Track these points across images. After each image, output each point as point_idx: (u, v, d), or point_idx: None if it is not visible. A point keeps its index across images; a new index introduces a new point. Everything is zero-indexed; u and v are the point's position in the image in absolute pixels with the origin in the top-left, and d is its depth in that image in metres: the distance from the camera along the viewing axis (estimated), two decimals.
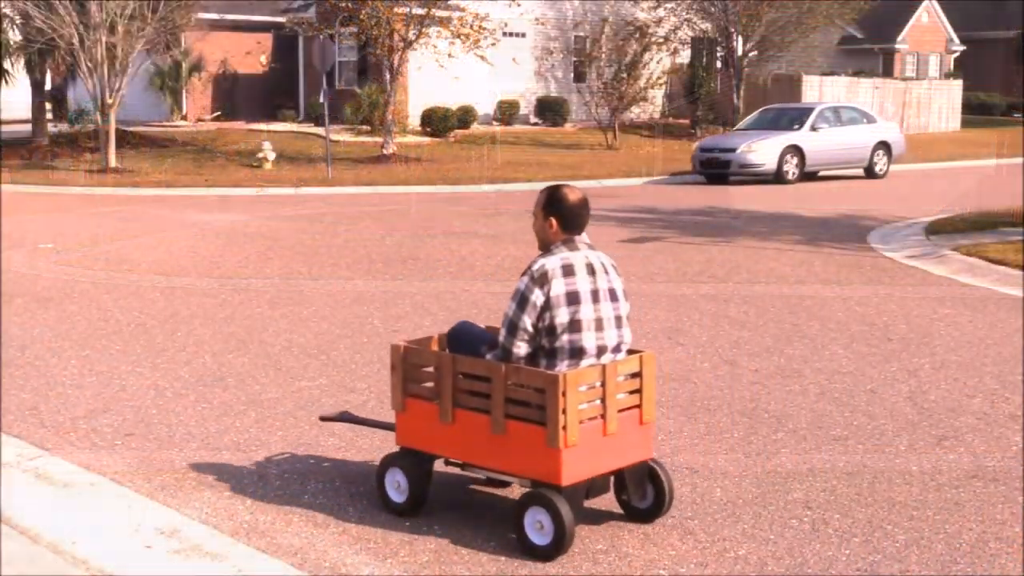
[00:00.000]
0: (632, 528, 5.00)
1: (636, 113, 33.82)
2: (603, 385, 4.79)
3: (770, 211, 18.22)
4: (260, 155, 25.66)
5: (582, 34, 36.64)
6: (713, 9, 33.94)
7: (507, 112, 34.82)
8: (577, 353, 4.79)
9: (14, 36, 27.91)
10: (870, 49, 49.51)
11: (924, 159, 30.44)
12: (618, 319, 4.91)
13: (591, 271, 4.85)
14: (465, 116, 32.96)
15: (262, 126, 33.43)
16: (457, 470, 5.21)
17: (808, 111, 25.82)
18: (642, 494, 5.04)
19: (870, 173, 25.78)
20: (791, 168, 24.19)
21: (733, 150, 24.17)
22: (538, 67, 36.26)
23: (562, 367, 4.76)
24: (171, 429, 6.46)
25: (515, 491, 5.25)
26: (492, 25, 27.38)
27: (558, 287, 4.75)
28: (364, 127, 31.68)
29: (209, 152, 28.47)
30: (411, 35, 26.36)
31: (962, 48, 51.28)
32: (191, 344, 8.60)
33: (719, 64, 37.22)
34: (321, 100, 25.80)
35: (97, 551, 4.68)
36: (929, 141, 36.63)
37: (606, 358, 4.86)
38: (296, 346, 8.53)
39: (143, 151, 28.61)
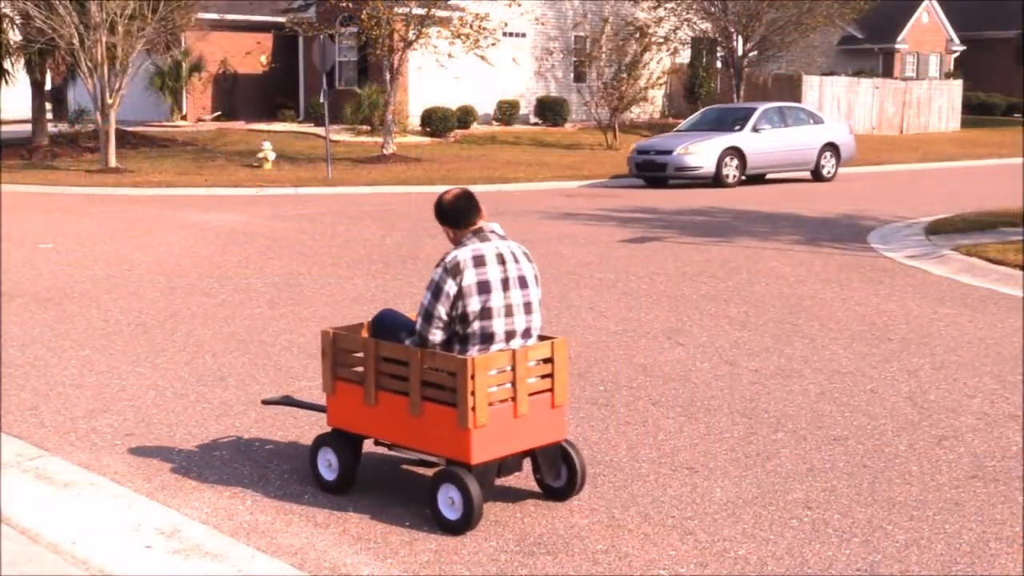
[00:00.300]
0: (632, 528, 5.00)
1: (636, 113, 33.82)
2: (513, 369, 5.05)
3: (770, 211, 18.23)
4: (260, 155, 25.66)
5: (582, 34, 36.64)
6: (713, 9, 33.94)
7: (507, 112, 34.83)
8: (487, 339, 5.06)
9: (14, 36, 27.90)
10: (870, 49, 49.53)
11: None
12: (527, 305, 5.18)
13: (501, 260, 5.12)
14: (465, 116, 32.96)
15: (262, 126, 33.44)
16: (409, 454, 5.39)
17: (751, 111, 24.68)
18: (556, 474, 5.31)
19: (817, 176, 24.79)
20: (731, 171, 23.15)
21: (669, 152, 23.19)
22: (538, 67, 36.27)
23: (473, 352, 5.04)
24: (171, 429, 6.47)
25: None
26: (492, 25, 27.38)
27: (469, 277, 5.03)
28: (364, 127, 31.69)
29: (209, 152, 28.47)
30: (411, 35, 26.37)
31: (962, 48, 51.29)
32: (191, 344, 8.60)
33: (719, 64, 37.22)
34: (321, 100, 25.80)
35: (97, 551, 4.68)
36: (929, 141, 36.65)
37: (516, 343, 5.14)
38: (296, 346, 8.53)
39: (143, 151, 28.62)
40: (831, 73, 40.22)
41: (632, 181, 24.11)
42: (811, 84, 37.48)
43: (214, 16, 34.43)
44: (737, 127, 24.02)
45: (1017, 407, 6.90)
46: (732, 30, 34.14)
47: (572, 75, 37.29)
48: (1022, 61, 48.88)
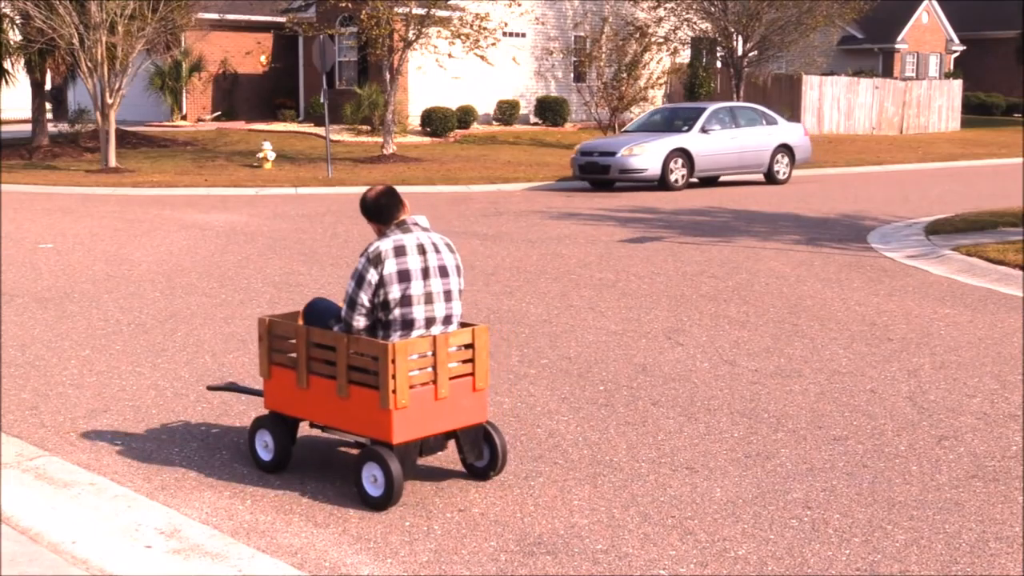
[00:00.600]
0: (632, 528, 5.00)
1: (636, 113, 33.82)
2: (434, 354, 5.34)
3: (770, 211, 18.23)
4: (260, 155, 25.66)
5: (582, 34, 36.64)
6: (713, 9, 33.94)
7: (507, 112, 34.83)
8: (408, 325, 5.35)
9: (14, 36, 27.89)
10: (870, 49, 49.54)
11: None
12: (447, 293, 5.50)
13: (422, 251, 5.43)
14: (465, 116, 32.96)
15: (262, 126, 33.44)
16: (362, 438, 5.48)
17: (700, 111, 23.53)
18: (478, 454, 5.59)
19: (770, 178, 23.74)
20: (678, 174, 22.09)
21: (613, 154, 22.08)
22: (538, 67, 36.27)
23: (395, 337, 5.32)
24: (171, 429, 6.47)
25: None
26: (492, 25, 27.38)
27: (390, 266, 5.32)
28: (364, 127, 31.69)
29: (209, 152, 28.47)
30: (411, 35, 26.37)
31: (962, 48, 51.29)
32: (191, 344, 8.60)
33: (719, 64, 37.23)
34: (321, 100, 25.80)
35: (97, 551, 4.68)
36: (929, 141, 36.65)
37: (437, 329, 5.43)
38: None
39: (143, 151, 28.62)
40: (831, 73, 40.21)
41: (579, 184, 23.13)
42: (811, 84, 37.49)
43: (214, 16, 34.43)
44: (685, 128, 23.00)
45: (1017, 407, 6.90)
46: (732, 30, 34.13)
47: (572, 75, 37.29)
48: (1022, 61, 48.87)
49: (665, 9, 34.42)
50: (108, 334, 8.95)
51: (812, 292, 10.82)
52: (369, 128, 31.42)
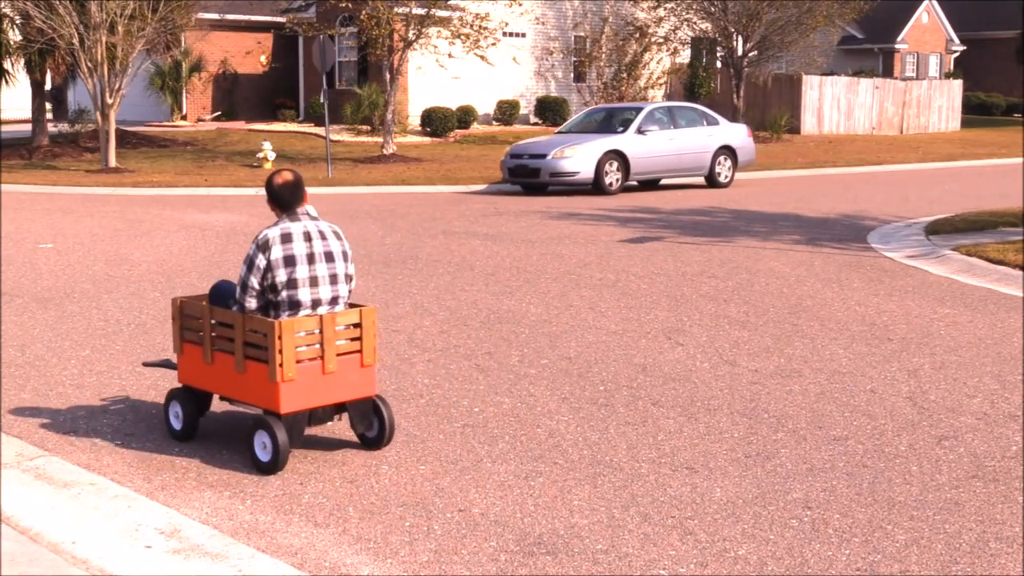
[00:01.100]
0: (632, 528, 5.00)
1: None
2: (321, 332, 5.81)
3: (770, 211, 18.23)
4: (260, 155, 25.66)
5: (582, 34, 36.64)
6: (713, 9, 33.95)
7: (507, 112, 34.83)
8: (294, 305, 5.85)
9: (14, 36, 27.89)
10: (870, 49, 49.54)
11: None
12: (333, 277, 5.95)
13: (308, 238, 5.91)
14: (465, 116, 32.96)
15: (262, 126, 33.44)
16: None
17: (636, 111, 22.50)
18: (367, 425, 6.06)
19: (712, 182, 22.85)
20: (612, 177, 21.15)
21: (543, 156, 21.15)
22: (538, 67, 36.27)
23: (283, 317, 5.80)
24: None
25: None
26: (492, 25, 27.38)
27: (276, 252, 5.82)
28: (364, 127, 31.69)
29: (209, 152, 28.47)
30: (411, 35, 26.37)
31: (962, 48, 51.29)
32: None
33: (719, 64, 37.23)
34: (321, 100, 25.80)
35: (97, 551, 4.68)
36: (929, 141, 36.66)
37: (323, 310, 5.91)
38: None
39: (143, 151, 28.62)
40: (831, 73, 40.22)
41: (511, 188, 22.25)
42: (811, 84, 37.50)
43: (214, 16, 34.45)
44: (620, 129, 22.01)
45: (1017, 407, 6.90)
46: (732, 30, 34.14)
47: (572, 75, 37.30)
48: (1022, 61, 48.88)
49: (665, 9, 34.43)
50: (108, 334, 8.95)
51: (812, 292, 10.82)
52: (369, 128, 31.42)
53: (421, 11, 26.14)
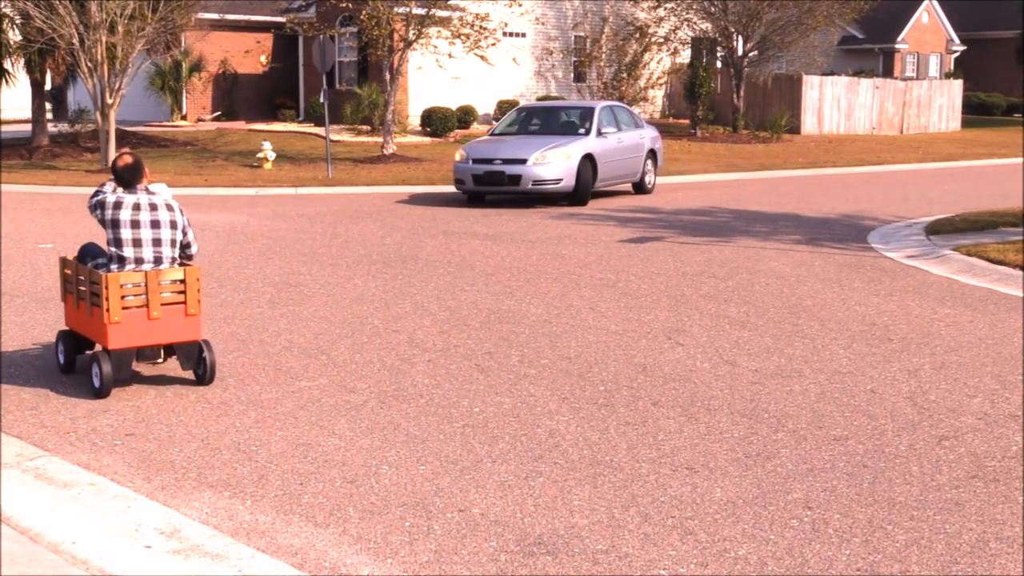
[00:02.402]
0: (632, 528, 5.00)
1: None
2: (146, 285, 7.13)
3: (770, 211, 18.23)
4: (260, 155, 25.65)
5: (582, 34, 36.64)
6: (713, 9, 33.95)
7: (507, 112, 34.82)
8: (121, 261, 7.22)
9: (14, 36, 27.88)
10: (870, 49, 49.53)
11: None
12: (156, 240, 7.25)
13: (136, 208, 7.23)
14: (465, 116, 32.96)
15: (262, 126, 33.44)
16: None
17: (590, 111, 20.15)
18: (194, 365, 7.37)
19: (640, 188, 20.98)
20: (589, 185, 19.01)
21: (523, 161, 18.42)
22: (538, 67, 36.27)
23: (113, 270, 7.16)
24: (171, 429, 6.47)
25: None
26: (492, 25, 27.37)
27: (107, 215, 7.22)
28: (364, 127, 31.69)
29: (209, 152, 28.47)
30: (411, 35, 26.36)
31: (962, 48, 51.29)
32: None
33: (719, 64, 37.23)
34: (321, 100, 25.79)
35: (97, 551, 4.68)
36: (929, 141, 36.65)
37: (148, 267, 7.22)
38: (296, 346, 8.53)
39: (143, 151, 28.60)
40: (831, 73, 40.21)
41: (445, 194, 20.47)
42: (811, 84, 37.49)
43: (214, 16, 34.42)
44: (581, 131, 19.56)
45: (1017, 407, 6.90)
46: (732, 30, 34.14)
47: (572, 75, 37.29)
48: (1022, 61, 48.88)
49: (665, 9, 34.43)
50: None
51: (812, 292, 10.82)
52: (369, 128, 31.42)
53: (421, 11, 26.13)
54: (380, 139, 28.28)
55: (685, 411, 6.84)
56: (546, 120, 20.72)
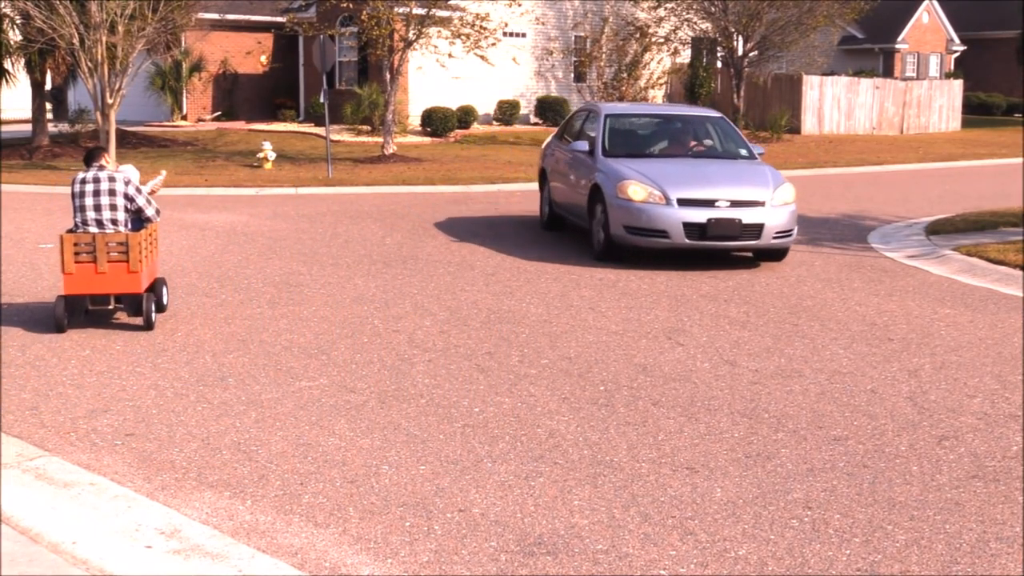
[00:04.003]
0: (632, 528, 5.00)
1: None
2: (93, 244, 8.82)
3: None
4: (260, 155, 25.64)
5: (582, 34, 36.62)
6: (713, 9, 33.94)
7: (507, 112, 34.82)
8: (77, 226, 9.05)
9: (14, 36, 27.87)
10: (870, 49, 49.52)
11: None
12: (97, 207, 9.00)
13: (95, 180, 9.05)
14: (465, 116, 32.95)
15: (262, 126, 33.43)
16: None
17: (725, 127, 14.44)
18: (135, 312, 9.20)
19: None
20: None
21: (759, 203, 12.26)
22: (538, 67, 36.26)
23: (69, 233, 8.95)
24: (171, 429, 6.46)
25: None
26: (492, 25, 27.36)
27: (74, 188, 9.12)
28: (364, 127, 31.67)
29: (209, 152, 28.47)
30: (411, 35, 26.35)
31: (962, 48, 51.29)
32: (191, 344, 8.60)
33: (719, 64, 37.22)
34: (321, 100, 25.78)
35: (97, 551, 4.68)
36: (929, 141, 36.65)
37: (93, 229, 8.96)
38: (296, 346, 8.53)
39: (143, 151, 28.60)
40: (831, 73, 40.20)
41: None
42: (811, 84, 37.48)
43: (214, 16, 34.41)
44: (743, 153, 13.94)
45: (1017, 407, 6.90)
46: (732, 30, 34.12)
47: (572, 75, 37.28)
48: (1022, 61, 48.86)
49: (665, 9, 34.41)
50: (108, 334, 8.95)
51: (812, 292, 10.81)
52: (369, 128, 31.41)
53: (421, 11, 26.12)
54: (380, 139, 28.27)
55: (685, 411, 6.84)
56: (668, 133, 14.59)
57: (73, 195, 9.09)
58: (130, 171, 9.52)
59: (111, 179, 9.02)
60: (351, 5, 26.80)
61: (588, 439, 6.27)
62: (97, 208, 8.97)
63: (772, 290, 10.92)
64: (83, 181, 9.04)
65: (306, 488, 5.51)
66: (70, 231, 9.09)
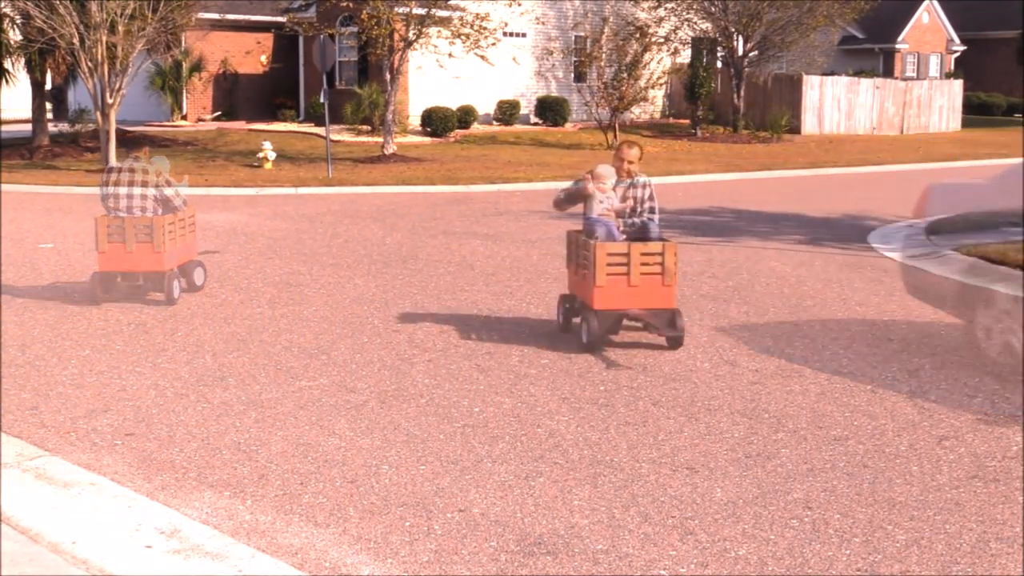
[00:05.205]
0: (632, 528, 5.00)
1: (636, 113, 33.80)
2: (123, 226, 9.93)
3: (772, 211, 18.22)
4: (260, 155, 25.64)
5: (582, 34, 36.61)
6: (713, 9, 33.93)
7: (507, 112, 34.81)
8: (110, 210, 10.18)
9: (14, 36, 27.87)
10: (871, 49, 49.51)
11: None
12: (141, 196, 10.19)
13: (131, 171, 10.27)
14: (465, 116, 32.95)
15: (262, 126, 33.43)
16: None
17: None
18: (157, 289, 10.12)
19: None
20: None
21: None
22: (538, 67, 36.26)
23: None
24: (171, 429, 6.46)
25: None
26: (492, 25, 27.35)
27: (108, 177, 10.34)
28: (364, 127, 31.67)
29: (209, 152, 28.47)
30: (411, 35, 26.35)
31: (962, 48, 51.29)
32: (191, 344, 8.60)
33: (719, 64, 37.22)
34: (321, 100, 25.78)
35: (97, 551, 4.68)
36: (929, 141, 36.65)
37: (125, 214, 10.07)
38: (296, 346, 8.53)
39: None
40: (831, 73, 40.19)
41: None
42: (811, 84, 37.47)
43: (214, 16, 34.40)
44: None
45: (1017, 407, 6.90)
46: (732, 30, 34.12)
47: (572, 75, 37.28)
48: (1022, 61, 48.86)
49: (665, 9, 34.41)
50: (108, 334, 8.95)
51: (813, 292, 10.81)
52: (369, 128, 31.40)
53: (421, 11, 26.11)
54: (380, 139, 28.26)
55: (685, 411, 6.84)
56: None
57: (106, 183, 10.16)
58: (162, 163, 10.70)
59: (144, 171, 10.23)
60: (351, 5, 26.80)
61: (588, 439, 6.27)
62: (129, 196, 10.13)
63: (773, 290, 10.92)
64: (119, 171, 10.20)
65: (306, 488, 5.51)
66: (104, 215, 10.12)
